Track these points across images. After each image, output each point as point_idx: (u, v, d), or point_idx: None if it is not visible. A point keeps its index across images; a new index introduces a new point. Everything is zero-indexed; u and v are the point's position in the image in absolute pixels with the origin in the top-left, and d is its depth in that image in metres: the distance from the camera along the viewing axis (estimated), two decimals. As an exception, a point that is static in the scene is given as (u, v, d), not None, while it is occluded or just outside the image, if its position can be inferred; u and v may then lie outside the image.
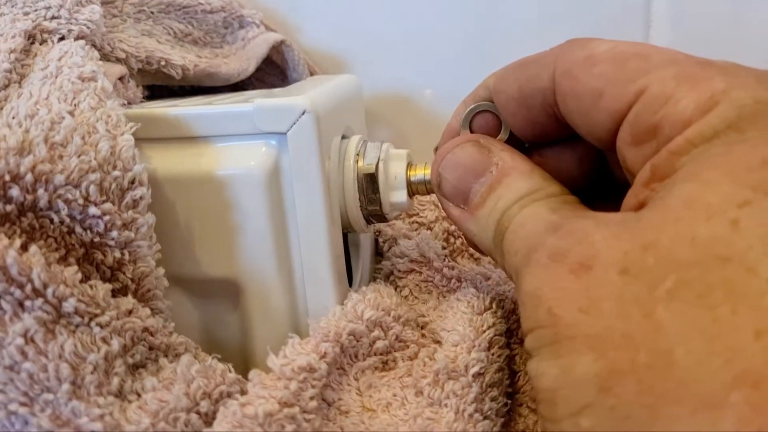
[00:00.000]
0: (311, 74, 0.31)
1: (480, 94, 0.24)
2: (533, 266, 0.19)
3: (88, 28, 0.24)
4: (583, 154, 0.23)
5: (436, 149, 0.25)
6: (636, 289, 0.17)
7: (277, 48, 0.30)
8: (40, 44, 0.24)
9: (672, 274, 0.17)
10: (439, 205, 0.27)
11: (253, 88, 0.31)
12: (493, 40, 0.31)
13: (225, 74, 0.29)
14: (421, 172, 0.25)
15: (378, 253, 0.31)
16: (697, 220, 0.17)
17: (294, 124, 0.22)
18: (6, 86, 0.21)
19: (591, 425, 0.17)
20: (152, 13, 0.28)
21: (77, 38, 0.24)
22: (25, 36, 0.23)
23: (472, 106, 0.23)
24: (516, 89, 0.22)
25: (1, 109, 0.21)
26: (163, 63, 0.27)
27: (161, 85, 0.29)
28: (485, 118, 0.24)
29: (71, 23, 0.24)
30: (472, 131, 0.24)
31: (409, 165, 0.26)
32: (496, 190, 0.22)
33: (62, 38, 0.24)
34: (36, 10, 0.24)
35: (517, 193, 0.21)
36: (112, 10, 0.27)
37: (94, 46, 0.25)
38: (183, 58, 0.28)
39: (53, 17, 0.24)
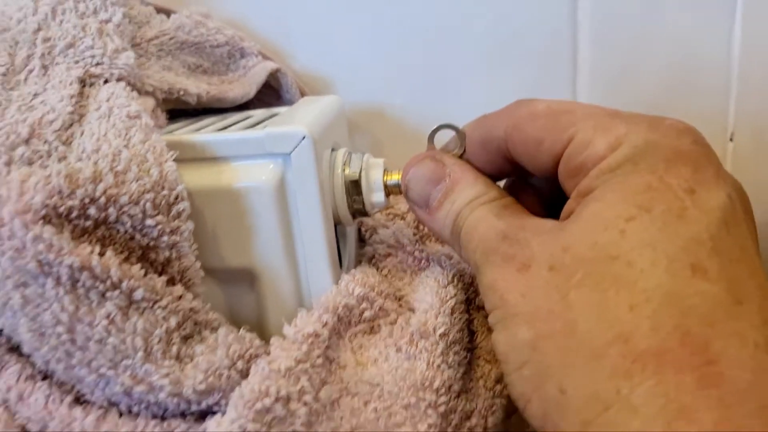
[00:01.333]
0: (302, 94, 0.37)
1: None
2: (490, 265, 0.25)
3: (125, 70, 0.30)
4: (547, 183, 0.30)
5: None
6: (557, 280, 0.23)
7: (273, 74, 0.36)
8: (89, 87, 0.30)
9: (581, 268, 0.23)
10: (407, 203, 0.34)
11: (254, 107, 0.37)
12: (449, 63, 0.37)
13: (231, 98, 0.35)
14: (395, 177, 0.32)
15: (361, 240, 0.37)
16: (598, 230, 0.23)
17: (296, 147, 0.28)
18: (70, 125, 0.27)
19: (529, 374, 0.23)
20: (170, 50, 0.34)
21: (118, 80, 0.30)
22: (79, 82, 0.29)
23: (437, 125, 0.30)
24: (478, 137, 0.28)
25: (70, 144, 0.27)
26: (182, 92, 0.33)
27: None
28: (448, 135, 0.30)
29: (112, 68, 0.30)
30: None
31: (386, 171, 0.32)
32: (449, 195, 0.28)
33: (106, 81, 0.30)
34: (84, 59, 0.30)
35: (467, 198, 0.27)
36: (139, 51, 0.33)
37: (128, 83, 0.31)
38: (198, 87, 0.34)
39: (98, 64, 0.30)
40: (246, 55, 0.36)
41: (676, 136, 0.24)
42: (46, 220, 0.24)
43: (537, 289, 0.24)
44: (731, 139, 0.35)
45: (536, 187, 0.30)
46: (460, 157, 0.29)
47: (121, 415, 0.26)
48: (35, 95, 0.28)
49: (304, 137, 0.28)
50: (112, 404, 0.26)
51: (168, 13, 0.36)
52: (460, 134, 0.29)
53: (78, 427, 0.25)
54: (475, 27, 0.36)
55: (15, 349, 0.27)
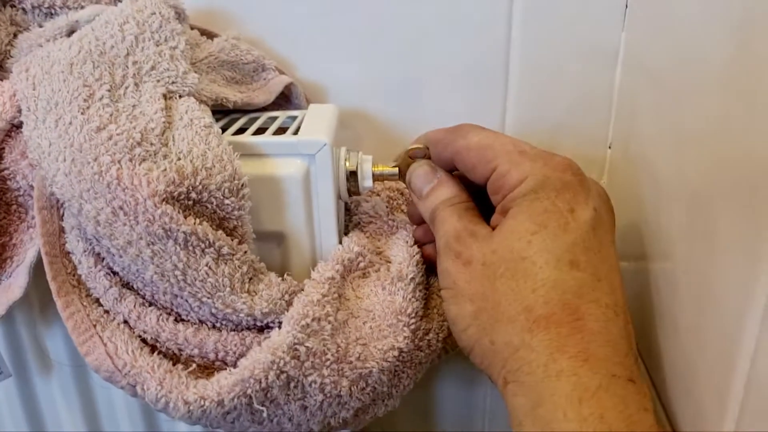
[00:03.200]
0: (306, 100, 0.49)
1: (419, 140, 0.42)
2: (447, 256, 0.36)
3: (192, 88, 0.41)
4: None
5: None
6: (488, 272, 0.34)
7: (287, 85, 0.48)
8: (169, 100, 0.41)
9: (503, 264, 0.33)
10: (381, 184, 0.47)
11: (271, 109, 0.48)
12: (416, 78, 0.49)
13: (256, 103, 0.46)
14: (381, 169, 0.44)
15: (347, 210, 0.50)
16: (513, 239, 0.34)
17: (319, 150, 0.40)
18: (164, 131, 0.39)
19: (471, 333, 0.34)
20: (214, 67, 0.45)
21: (188, 95, 0.41)
22: (163, 97, 0.40)
23: (411, 146, 0.42)
24: (434, 152, 0.40)
25: (167, 145, 0.38)
26: (224, 100, 0.44)
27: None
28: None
29: (184, 86, 0.41)
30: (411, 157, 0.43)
31: (374, 164, 0.45)
32: (434, 192, 0.39)
33: (180, 96, 0.41)
34: (163, 79, 0.40)
35: (443, 197, 0.38)
36: (194, 69, 0.44)
37: (191, 96, 0.42)
38: (234, 96, 0.45)
39: (173, 82, 0.41)
40: (266, 69, 0.48)
41: (562, 171, 0.35)
42: (167, 201, 0.36)
43: (476, 279, 0.34)
44: (610, 147, 0.50)
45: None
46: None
47: (209, 328, 0.38)
48: (134, 106, 0.39)
49: (325, 144, 0.41)
50: (202, 322, 0.39)
51: (208, 34, 0.47)
52: (424, 149, 0.42)
53: (182, 336, 0.38)
54: (435, 53, 0.49)
55: (128, 285, 0.39)
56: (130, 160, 0.36)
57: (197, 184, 0.36)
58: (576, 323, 0.32)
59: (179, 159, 0.37)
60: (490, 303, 0.34)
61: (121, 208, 0.35)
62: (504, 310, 0.33)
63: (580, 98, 0.50)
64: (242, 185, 0.38)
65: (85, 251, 0.38)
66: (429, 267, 0.45)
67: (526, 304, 0.33)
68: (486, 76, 0.49)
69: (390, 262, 0.44)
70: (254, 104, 0.46)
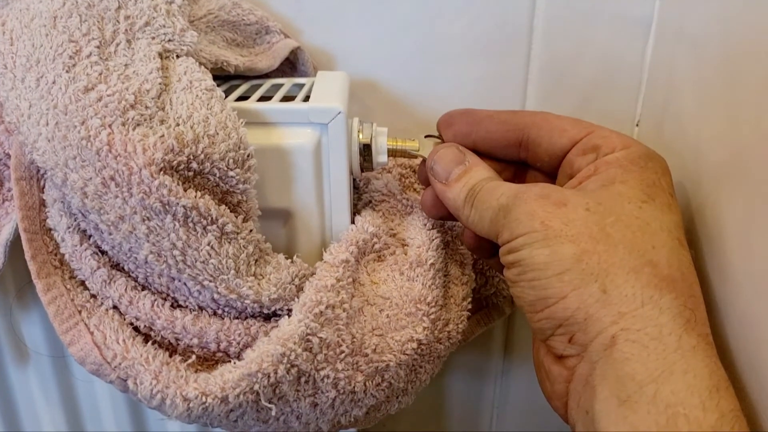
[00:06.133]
0: (314, 67, 0.45)
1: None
2: (524, 201, 0.31)
3: (191, 47, 0.37)
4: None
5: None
6: (594, 218, 0.30)
7: (293, 50, 0.44)
8: (166, 60, 0.36)
9: (613, 215, 0.30)
10: (392, 160, 0.43)
11: (274, 75, 0.44)
12: (431, 48, 0.45)
13: (260, 69, 0.42)
14: (398, 144, 0.41)
15: (355, 188, 0.46)
16: (624, 201, 0.31)
17: (333, 119, 0.37)
18: (160, 94, 0.34)
19: (570, 278, 0.29)
20: (214, 27, 0.41)
21: (186, 54, 0.37)
22: (159, 56, 0.36)
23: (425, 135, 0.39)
24: (501, 117, 0.37)
25: (164, 109, 0.34)
26: (225, 63, 0.40)
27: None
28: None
29: (182, 45, 0.37)
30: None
31: (389, 138, 0.41)
32: (468, 173, 0.35)
33: (178, 55, 0.37)
34: (159, 36, 0.36)
35: (482, 176, 0.35)
36: (192, 27, 0.40)
37: (190, 56, 0.38)
38: (236, 59, 0.41)
39: (170, 40, 0.36)
40: (270, 32, 0.43)
41: (661, 157, 0.34)
42: (165, 171, 0.32)
43: (577, 221, 0.30)
44: (637, 125, 0.47)
45: None
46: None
47: (209, 316, 0.34)
48: (126, 66, 0.35)
49: (339, 112, 0.36)
50: (202, 308, 0.34)
51: (207, -8, 0.43)
52: (440, 137, 0.39)
53: (179, 324, 0.34)
54: (453, 22, 0.45)
55: (118, 266, 0.35)
56: (123, 124, 0.32)
57: (199, 152, 0.32)
58: (695, 298, 0.29)
59: (178, 125, 0.33)
60: (602, 246, 0.29)
61: (112, 178, 0.31)
62: (623, 257, 0.29)
63: (607, 71, 0.46)
64: (248, 155, 0.34)
65: (69, 227, 0.34)
66: (447, 253, 0.41)
67: (649, 258, 0.29)
68: (507, 44, 0.45)
69: (406, 245, 0.40)
70: (257, 69, 0.42)
